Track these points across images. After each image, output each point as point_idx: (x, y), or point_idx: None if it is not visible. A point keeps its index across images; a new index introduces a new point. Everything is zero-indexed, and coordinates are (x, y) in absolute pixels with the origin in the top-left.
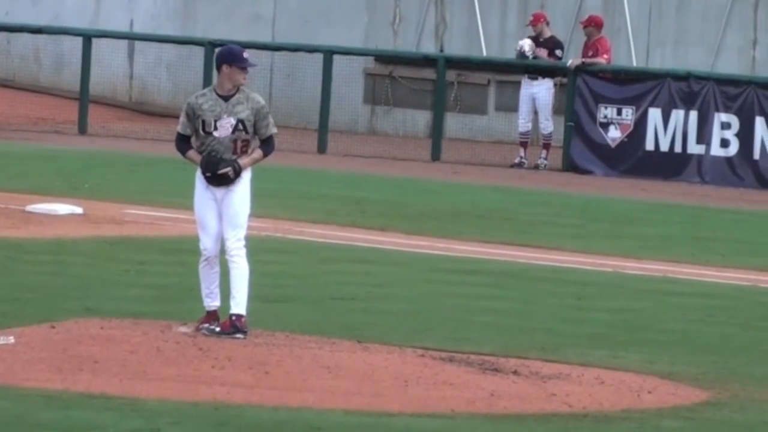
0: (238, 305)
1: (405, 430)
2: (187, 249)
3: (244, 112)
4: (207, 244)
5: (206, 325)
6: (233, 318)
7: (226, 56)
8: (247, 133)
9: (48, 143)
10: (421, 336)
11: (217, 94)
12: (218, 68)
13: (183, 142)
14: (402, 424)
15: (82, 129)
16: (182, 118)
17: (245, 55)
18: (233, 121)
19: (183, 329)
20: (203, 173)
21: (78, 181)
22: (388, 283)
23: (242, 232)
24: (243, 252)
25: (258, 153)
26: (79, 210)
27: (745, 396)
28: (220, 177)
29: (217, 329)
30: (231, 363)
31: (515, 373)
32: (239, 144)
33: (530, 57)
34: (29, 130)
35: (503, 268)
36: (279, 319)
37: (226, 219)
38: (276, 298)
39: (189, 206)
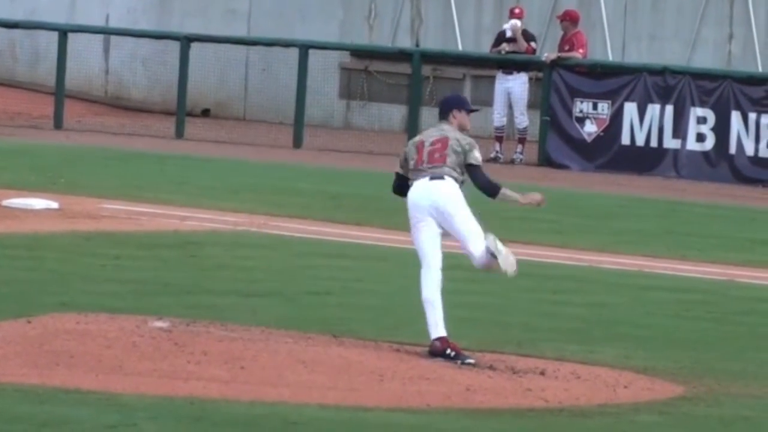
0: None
1: (380, 424)
2: (163, 244)
3: None
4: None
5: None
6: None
7: (456, 102)
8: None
9: (24, 138)
10: (397, 331)
11: None
12: (446, 114)
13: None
14: (377, 419)
15: (58, 124)
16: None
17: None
18: None
19: (159, 324)
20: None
21: (54, 175)
22: (364, 277)
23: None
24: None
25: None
26: (55, 205)
27: (721, 390)
28: None
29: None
30: (206, 358)
31: (491, 367)
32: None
33: (509, 37)
34: (5, 125)
35: None
36: (254, 313)
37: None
38: (251, 292)
39: (165, 200)
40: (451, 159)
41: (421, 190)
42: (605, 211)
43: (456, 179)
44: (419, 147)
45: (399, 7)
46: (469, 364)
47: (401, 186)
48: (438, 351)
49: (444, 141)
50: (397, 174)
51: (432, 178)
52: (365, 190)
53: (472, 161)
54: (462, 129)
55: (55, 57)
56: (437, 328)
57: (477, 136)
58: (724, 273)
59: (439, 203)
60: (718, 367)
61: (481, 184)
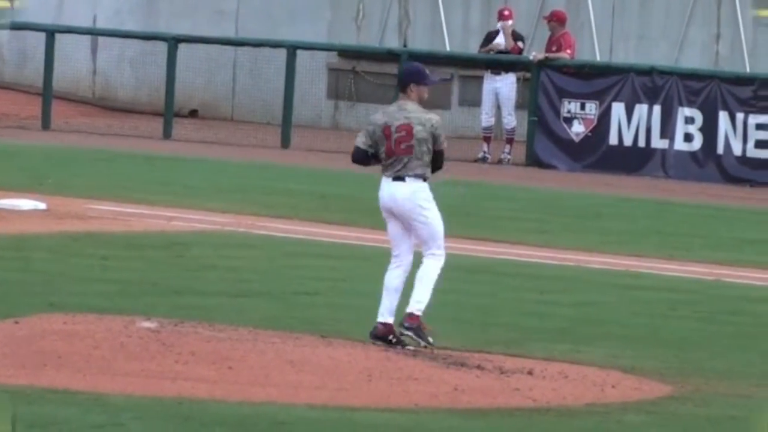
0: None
1: (368, 424)
2: (150, 244)
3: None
4: None
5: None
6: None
7: (415, 77)
8: None
9: (11, 139)
10: None
11: None
12: (405, 87)
13: None
14: (365, 419)
15: (46, 124)
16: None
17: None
18: None
19: (146, 324)
20: None
21: (41, 176)
22: (352, 277)
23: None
24: None
25: None
26: (42, 205)
27: (708, 390)
28: None
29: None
30: (194, 358)
31: (479, 367)
32: None
33: (503, 47)
34: None
35: (466, 263)
36: (242, 313)
37: None
38: (239, 293)
39: (152, 201)
40: (417, 150)
41: (384, 191)
42: (593, 211)
43: (420, 175)
44: (386, 132)
45: (387, 7)
46: (408, 349)
47: (364, 159)
48: (380, 334)
49: (408, 129)
50: (359, 149)
51: (394, 179)
52: (353, 190)
53: (443, 147)
54: (420, 101)
55: (42, 58)
56: (388, 314)
57: (464, 137)
58: (712, 272)
59: (396, 210)
60: (705, 367)
61: (440, 166)
